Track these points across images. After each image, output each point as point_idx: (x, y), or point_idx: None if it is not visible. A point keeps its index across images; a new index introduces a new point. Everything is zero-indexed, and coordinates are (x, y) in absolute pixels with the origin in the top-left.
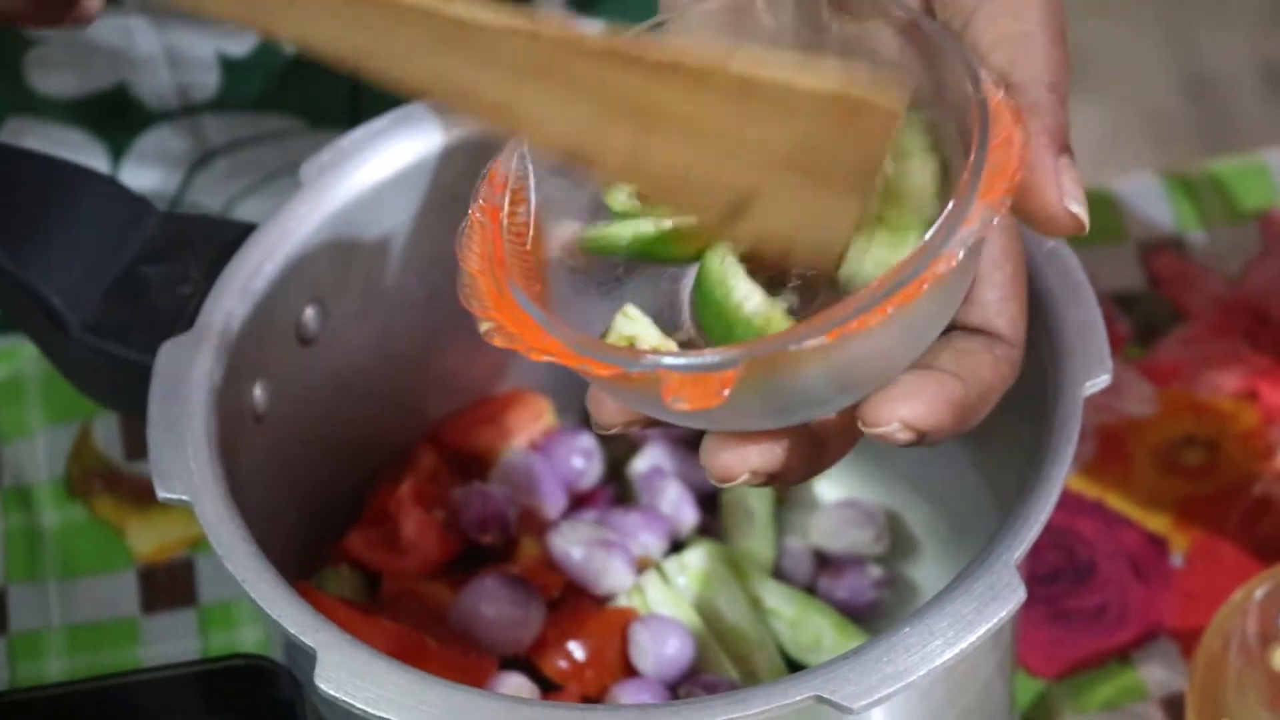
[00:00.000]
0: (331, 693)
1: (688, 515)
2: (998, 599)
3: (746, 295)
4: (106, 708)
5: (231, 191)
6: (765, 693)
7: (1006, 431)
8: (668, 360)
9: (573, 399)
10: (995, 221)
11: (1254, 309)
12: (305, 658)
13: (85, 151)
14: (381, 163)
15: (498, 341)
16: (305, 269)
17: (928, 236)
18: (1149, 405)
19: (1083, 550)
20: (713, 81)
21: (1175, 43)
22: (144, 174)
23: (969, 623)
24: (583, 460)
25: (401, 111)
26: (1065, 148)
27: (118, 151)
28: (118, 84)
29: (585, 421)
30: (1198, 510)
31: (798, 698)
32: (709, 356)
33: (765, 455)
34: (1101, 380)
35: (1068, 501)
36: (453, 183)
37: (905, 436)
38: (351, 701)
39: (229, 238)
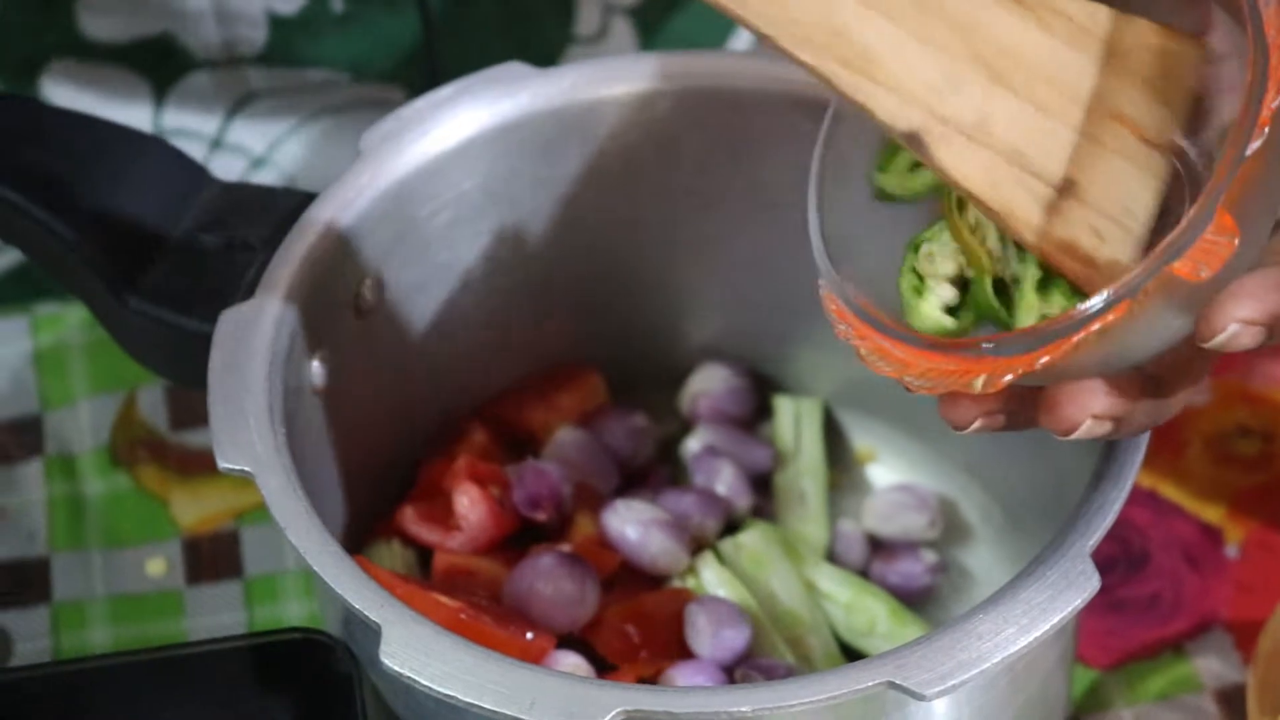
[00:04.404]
0: (396, 669)
1: (743, 496)
2: (1072, 587)
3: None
4: (158, 680)
5: (274, 134)
6: (837, 677)
7: None
8: (1091, 304)
9: (625, 377)
10: None
11: None
12: (366, 633)
13: (129, 90)
14: (443, 133)
15: (939, 391)
16: (364, 240)
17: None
18: (1203, 394)
19: (1136, 539)
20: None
21: None
22: (186, 115)
23: (1043, 611)
24: (635, 438)
25: (465, 82)
26: None
27: (160, 91)
28: (163, 32)
29: (637, 399)
30: (1253, 501)
31: (870, 683)
32: (1117, 285)
33: (1110, 400)
34: None
35: None
36: (515, 155)
37: (1250, 338)
38: (416, 678)
39: (288, 207)
